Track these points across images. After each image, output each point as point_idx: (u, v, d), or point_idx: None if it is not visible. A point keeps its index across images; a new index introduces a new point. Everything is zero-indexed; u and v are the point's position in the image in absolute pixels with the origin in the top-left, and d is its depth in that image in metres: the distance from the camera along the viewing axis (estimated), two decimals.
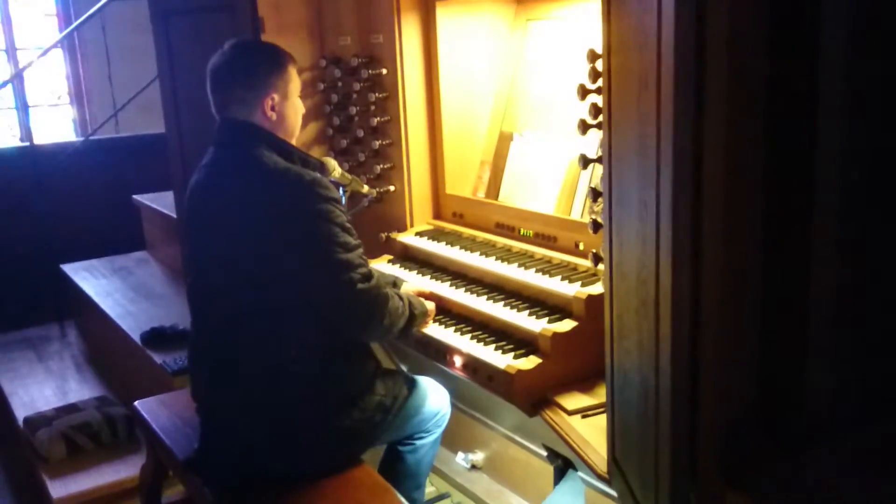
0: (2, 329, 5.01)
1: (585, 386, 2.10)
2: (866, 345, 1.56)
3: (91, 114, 6.95)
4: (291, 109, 2.21)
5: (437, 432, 2.44)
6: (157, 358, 3.54)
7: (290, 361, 2.07)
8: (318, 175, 2.10)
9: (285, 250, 2.02)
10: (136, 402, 2.67)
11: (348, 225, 2.08)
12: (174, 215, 4.45)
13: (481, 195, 2.91)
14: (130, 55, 6.23)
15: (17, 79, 5.81)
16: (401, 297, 2.21)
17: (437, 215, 3.01)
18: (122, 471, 3.15)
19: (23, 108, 6.14)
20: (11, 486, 3.65)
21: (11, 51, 6.83)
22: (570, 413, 2.01)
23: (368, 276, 2.07)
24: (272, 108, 2.15)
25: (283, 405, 2.08)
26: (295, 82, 2.22)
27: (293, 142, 2.23)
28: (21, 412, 3.71)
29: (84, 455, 3.27)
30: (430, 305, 2.40)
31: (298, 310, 2.06)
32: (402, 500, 2.05)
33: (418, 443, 2.39)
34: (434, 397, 2.41)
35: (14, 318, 5.05)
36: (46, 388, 4.13)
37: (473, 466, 2.89)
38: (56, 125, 7.14)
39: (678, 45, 1.20)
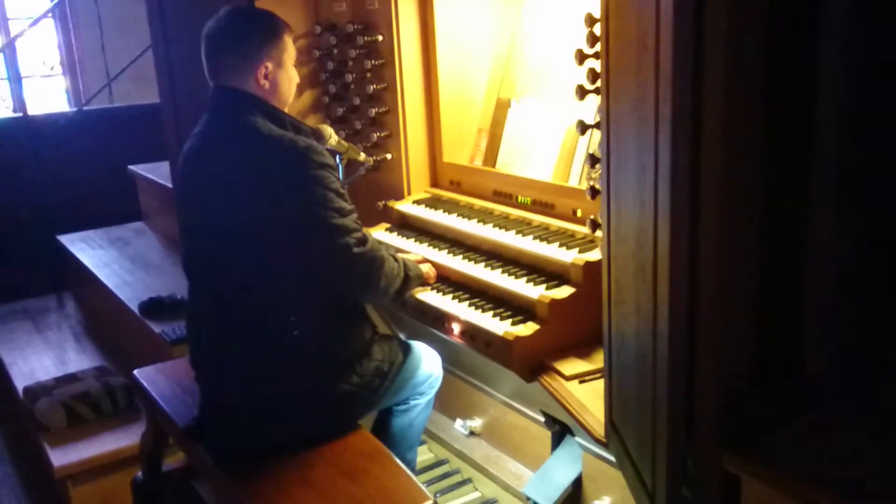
0: None
1: (583, 352, 2.11)
2: (864, 309, 1.57)
3: (84, 84, 6.89)
4: (285, 78, 2.20)
5: (431, 394, 2.48)
6: (156, 327, 3.54)
7: (289, 327, 2.07)
8: (312, 141, 2.09)
9: (280, 217, 2.02)
10: (135, 371, 2.68)
11: (342, 191, 2.09)
12: (170, 185, 4.44)
13: (479, 163, 2.90)
14: (123, 24, 6.16)
15: (9, 49, 5.76)
16: (396, 260, 2.24)
17: (435, 183, 3.00)
18: (123, 439, 3.17)
19: (15, 78, 6.09)
20: (13, 454, 3.68)
21: (2, 21, 6.75)
22: (568, 378, 2.02)
23: (363, 239, 2.09)
24: (265, 77, 2.14)
25: (281, 371, 2.10)
26: (290, 51, 2.20)
27: (286, 110, 2.22)
28: (21, 382, 3.72)
29: (84, 424, 3.28)
30: (427, 267, 2.42)
31: (295, 275, 2.07)
32: (400, 463, 2.07)
33: (412, 403, 2.43)
34: (427, 361, 2.45)
35: (11, 290, 5.05)
36: (45, 358, 4.14)
37: (472, 433, 2.92)
38: (49, 96, 7.08)
39: (677, 6, 1.19)
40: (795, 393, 1.52)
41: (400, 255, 2.34)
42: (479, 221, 2.59)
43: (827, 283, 1.50)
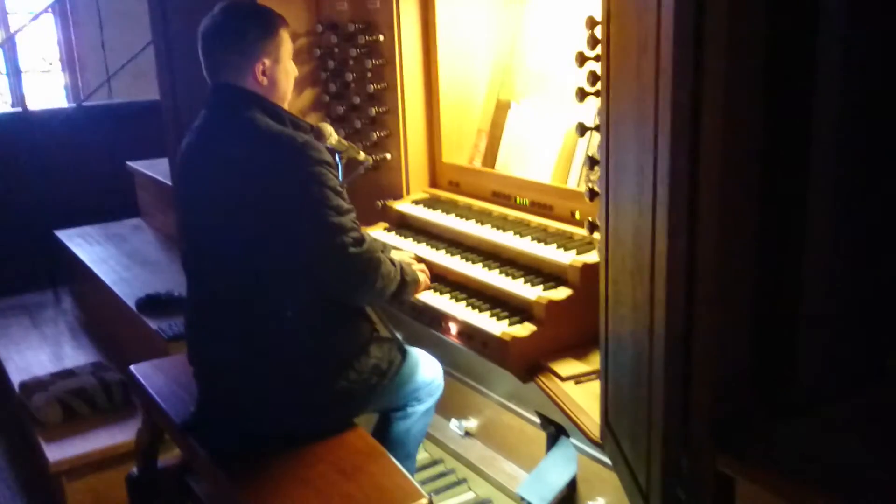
0: None
1: (579, 353, 2.11)
2: (861, 313, 1.57)
3: (84, 80, 6.88)
4: (283, 74, 2.19)
5: (430, 402, 2.45)
6: (153, 324, 3.54)
7: (286, 324, 2.07)
8: (310, 138, 2.09)
9: (277, 213, 2.01)
10: (131, 367, 2.68)
11: (340, 189, 2.08)
12: (168, 182, 4.44)
13: (478, 164, 2.91)
14: (123, 20, 6.16)
15: (9, 44, 5.75)
16: (393, 262, 2.22)
17: (434, 184, 3.01)
18: (118, 435, 3.16)
19: (14, 73, 6.09)
20: (8, 449, 3.67)
21: (2, 15, 6.75)
22: (564, 379, 2.02)
23: (360, 240, 2.07)
24: (263, 73, 2.13)
25: (279, 367, 2.09)
26: (287, 46, 2.20)
27: (285, 106, 2.21)
28: (17, 377, 3.71)
29: (80, 419, 3.27)
30: (422, 270, 2.41)
31: (293, 272, 2.06)
32: (396, 462, 2.07)
33: (409, 410, 2.40)
34: (426, 367, 2.43)
35: (8, 285, 5.04)
36: (42, 353, 4.13)
37: (467, 433, 2.92)
38: (48, 92, 7.07)
39: (678, 8, 1.20)
40: (791, 395, 1.53)
41: (395, 257, 2.33)
42: (477, 222, 2.59)
43: (824, 285, 1.50)
